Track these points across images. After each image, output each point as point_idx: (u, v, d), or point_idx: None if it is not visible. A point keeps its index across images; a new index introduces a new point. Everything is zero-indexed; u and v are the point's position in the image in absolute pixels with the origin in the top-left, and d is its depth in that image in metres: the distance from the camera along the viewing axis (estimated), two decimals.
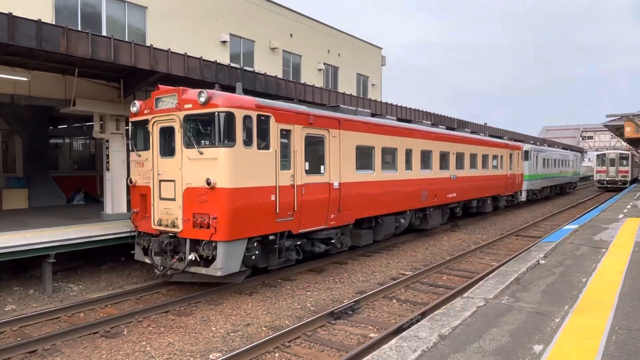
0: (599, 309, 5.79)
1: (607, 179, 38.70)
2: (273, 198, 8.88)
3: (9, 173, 16.35)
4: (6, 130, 16.37)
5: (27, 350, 6.46)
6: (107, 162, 12.30)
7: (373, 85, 31.52)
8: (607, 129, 36.12)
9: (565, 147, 43.51)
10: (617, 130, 30.05)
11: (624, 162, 38.38)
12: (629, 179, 38.20)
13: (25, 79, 10.47)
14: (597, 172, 39.92)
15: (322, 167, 10.29)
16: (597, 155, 40.85)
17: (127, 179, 10.52)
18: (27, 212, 14.03)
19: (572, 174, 38.64)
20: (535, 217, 21.51)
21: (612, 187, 37.95)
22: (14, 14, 7.96)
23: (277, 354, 6.35)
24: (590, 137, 73.62)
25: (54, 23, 11.17)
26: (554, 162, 31.51)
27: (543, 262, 8.59)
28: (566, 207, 25.61)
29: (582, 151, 55.30)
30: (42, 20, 8.32)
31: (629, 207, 18.82)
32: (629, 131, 23.75)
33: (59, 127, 18.40)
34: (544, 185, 28.82)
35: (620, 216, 15.51)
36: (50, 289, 9.15)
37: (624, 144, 48.59)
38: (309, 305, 8.48)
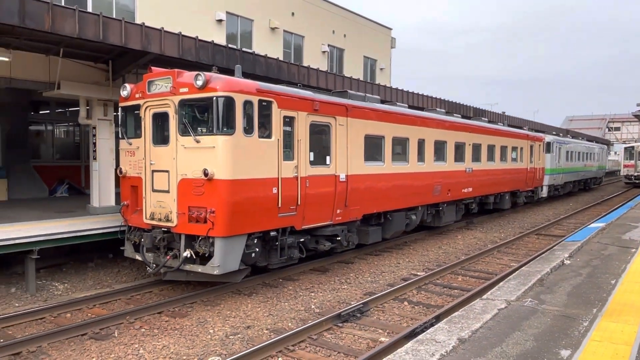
0: (630, 312, 5.83)
1: (636, 174, 38.63)
2: (275, 191, 8.90)
3: None
4: None
5: (11, 352, 6.52)
6: (94, 151, 12.32)
7: (382, 69, 31.46)
8: (636, 119, 36.01)
9: (590, 138, 43.48)
10: None
11: None
12: None
13: (6, 59, 10.47)
14: (625, 166, 39.86)
15: (327, 157, 10.31)
16: (625, 148, 40.77)
17: (116, 169, 10.55)
18: (7, 205, 14.09)
19: (597, 168, 38.62)
20: (557, 215, 21.54)
21: None
22: None
23: (280, 359, 6.40)
24: (618, 129, 73.47)
25: None
26: (577, 155, 31.48)
27: (568, 262, 8.63)
28: (591, 204, 25.63)
29: (608, 143, 55.26)
30: None
31: None
32: None
33: (41, 112, 18.40)
34: (566, 180, 28.82)
35: None
36: (34, 287, 9.22)
37: None
38: (313, 307, 8.54)
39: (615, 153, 66.28)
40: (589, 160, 34.97)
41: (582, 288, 6.94)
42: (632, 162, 38.96)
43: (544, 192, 25.15)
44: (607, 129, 73.01)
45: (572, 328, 5.31)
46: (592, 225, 14.21)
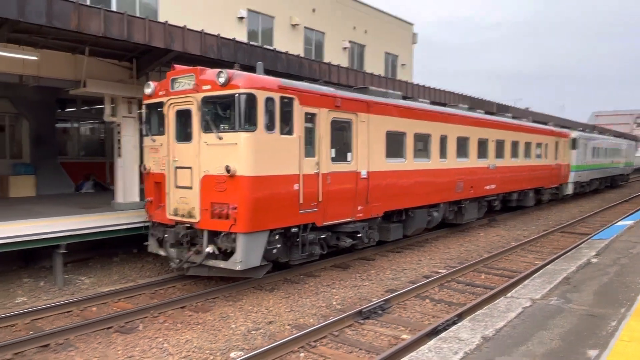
0: None
1: None
2: (296, 187, 8.92)
3: (15, 159, 16.82)
4: (13, 114, 16.80)
5: (40, 345, 6.68)
6: (119, 148, 12.52)
7: (403, 65, 31.21)
8: None
9: (618, 134, 42.47)
10: None
11: None
12: None
13: (35, 58, 10.70)
14: None
15: (349, 154, 10.29)
16: None
17: (140, 166, 10.71)
18: (35, 201, 14.44)
19: (625, 165, 37.73)
20: (583, 212, 21.10)
21: None
22: None
23: (302, 354, 6.43)
24: None
25: None
26: (604, 151, 30.80)
27: (595, 260, 8.44)
28: (618, 202, 25.03)
29: (636, 139, 53.87)
30: None
31: None
32: None
33: (67, 110, 18.80)
34: (592, 177, 28.22)
35: None
36: (61, 281, 9.43)
37: None
38: (334, 303, 8.54)
39: None
40: (616, 156, 34.18)
41: (610, 287, 6.78)
42: None
43: (570, 189, 24.66)
44: (635, 125, 71.14)
45: (599, 328, 5.20)
46: (620, 223, 13.89)
